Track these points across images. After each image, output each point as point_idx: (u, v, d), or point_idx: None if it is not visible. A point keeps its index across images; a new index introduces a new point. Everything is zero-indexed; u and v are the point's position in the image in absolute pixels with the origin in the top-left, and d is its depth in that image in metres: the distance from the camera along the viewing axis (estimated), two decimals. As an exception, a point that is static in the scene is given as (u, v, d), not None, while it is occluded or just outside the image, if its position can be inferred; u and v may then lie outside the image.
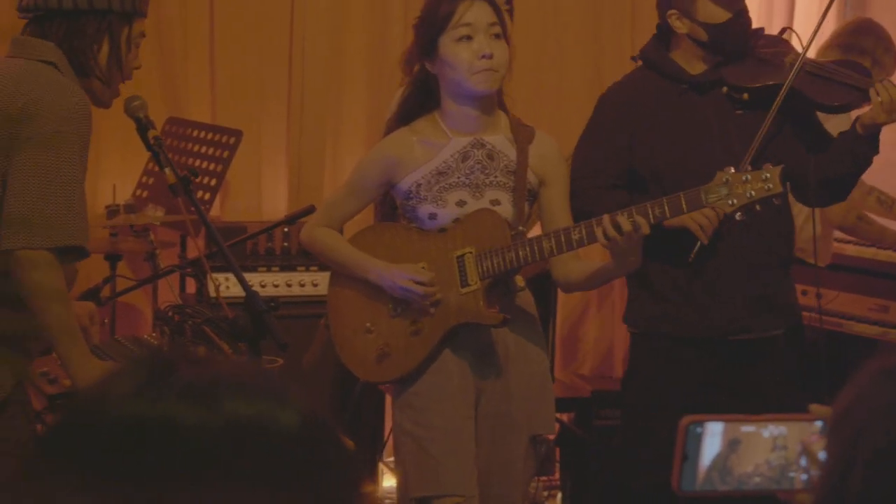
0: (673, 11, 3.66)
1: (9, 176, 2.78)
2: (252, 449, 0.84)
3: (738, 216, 3.15)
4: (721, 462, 1.54)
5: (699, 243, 3.54)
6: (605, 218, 3.07)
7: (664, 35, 3.75)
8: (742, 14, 3.64)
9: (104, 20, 2.96)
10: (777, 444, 1.54)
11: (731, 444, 1.54)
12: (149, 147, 3.08)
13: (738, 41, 3.65)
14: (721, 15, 3.60)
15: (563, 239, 3.13)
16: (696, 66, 3.70)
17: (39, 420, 3.13)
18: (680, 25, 3.65)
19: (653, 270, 3.65)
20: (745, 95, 3.63)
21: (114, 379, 0.87)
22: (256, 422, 0.85)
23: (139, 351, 3.28)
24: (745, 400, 3.66)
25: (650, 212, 3.10)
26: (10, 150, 2.80)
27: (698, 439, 1.54)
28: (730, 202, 3.12)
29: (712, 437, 1.54)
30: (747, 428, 1.54)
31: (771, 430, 1.54)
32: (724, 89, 3.66)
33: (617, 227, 3.05)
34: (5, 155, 2.78)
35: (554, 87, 5.74)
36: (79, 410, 0.87)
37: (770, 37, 3.83)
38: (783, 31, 3.90)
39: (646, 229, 3.06)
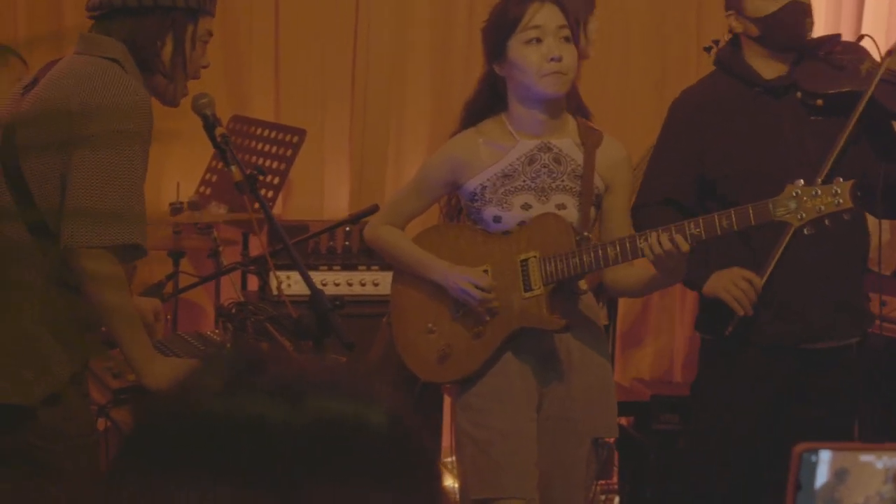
0: (730, 12, 3.68)
1: (69, 173, 2.80)
2: (339, 448, 0.84)
3: (806, 231, 3.12)
4: (828, 493, 1.46)
5: (736, 317, 3.53)
6: (652, 234, 3.07)
7: (738, 39, 3.74)
8: (791, 6, 3.60)
9: (168, 17, 2.96)
10: (889, 476, 1.46)
11: (839, 474, 1.45)
12: (215, 144, 3.09)
13: (790, 32, 3.62)
14: (769, 6, 3.59)
15: (628, 247, 3.11)
16: (770, 70, 3.67)
17: (103, 414, 3.16)
18: (736, 25, 3.67)
19: None
20: (820, 102, 3.60)
21: (202, 375, 0.87)
22: (344, 420, 0.85)
23: (204, 347, 3.30)
24: (815, 409, 3.63)
25: (717, 223, 3.08)
26: (70, 147, 2.81)
27: (812, 468, 1.45)
28: (799, 216, 3.09)
29: (822, 465, 1.45)
30: (866, 457, 1.45)
31: (885, 462, 1.45)
32: (799, 94, 3.64)
33: (659, 245, 3.05)
34: (65, 152, 2.79)
35: (617, 88, 5.71)
36: (166, 406, 0.87)
37: (847, 43, 3.80)
38: (860, 38, 3.86)
39: (684, 248, 3.04)
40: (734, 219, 3.09)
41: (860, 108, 3.52)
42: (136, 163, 2.84)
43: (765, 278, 3.54)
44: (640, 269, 3.30)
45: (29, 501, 2.86)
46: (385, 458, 0.85)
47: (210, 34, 3.06)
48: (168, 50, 2.98)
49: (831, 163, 3.48)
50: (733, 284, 3.52)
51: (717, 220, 3.09)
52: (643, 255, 3.10)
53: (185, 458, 0.83)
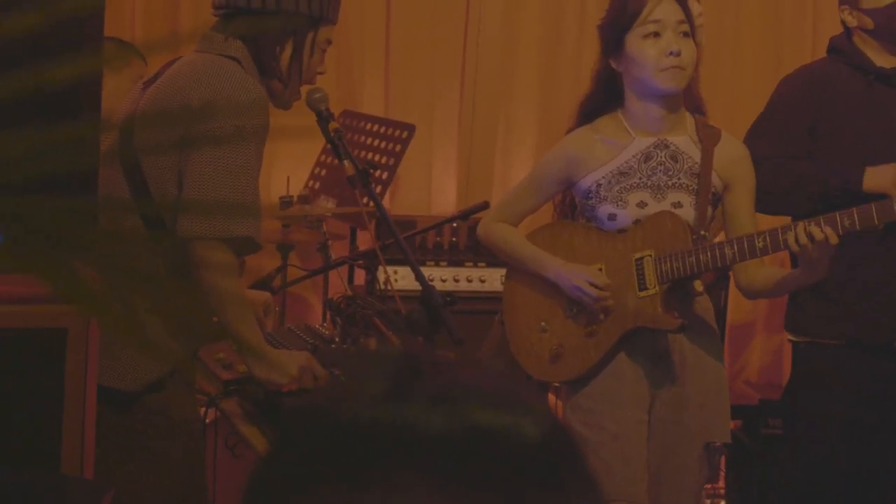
0: (843, 7, 3.63)
1: (186, 167, 2.82)
2: (494, 459, 0.82)
3: None
4: None
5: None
6: (800, 225, 2.99)
7: (850, 31, 3.67)
8: None
9: (290, 22, 2.97)
10: None
11: None
12: (329, 139, 3.09)
13: None
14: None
15: (745, 246, 3.05)
16: (883, 60, 3.61)
17: (213, 404, 3.18)
18: (851, 20, 3.62)
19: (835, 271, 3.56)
20: None
21: (362, 379, 0.85)
22: (500, 432, 0.83)
23: (313, 341, 3.31)
24: None
25: (839, 222, 3.00)
26: (187, 142, 2.84)
27: None
28: None
29: None
30: None
31: None
32: None
33: (810, 235, 2.97)
34: (182, 147, 2.81)
35: (728, 78, 5.63)
36: (324, 411, 0.86)
37: None
38: None
39: (833, 239, 2.96)
40: (857, 217, 3.01)
41: None
42: (252, 158, 2.85)
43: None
44: (772, 269, 3.24)
45: (129, 484, 2.89)
46: (539, 472, 0.83)
47: (329, 42, 3.06)
48: (286, 55, 2.99)
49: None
50: None
51: (838, 219, 2.99)
52: (768, 253, 3.03)
53: (334, 468, 0.81)
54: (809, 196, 3.47)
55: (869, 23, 3.57)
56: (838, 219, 3.00)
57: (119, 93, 3.39)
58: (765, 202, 3.43)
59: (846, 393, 3.58)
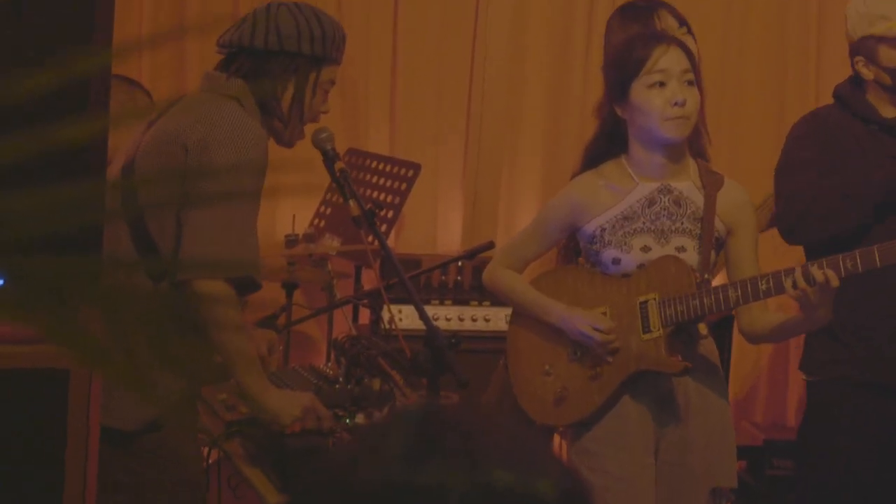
0: (859, 58, 3.62)
1: (184, 208, 2.83)
2: None
3: None
4: None
5: None
6: (797, 269, 2.99)
7: (859, 79, 3.68)
8: None
9: (293, 62, 2.98)
10: None
11: None
12: (334, 179, 3.10)
13: None
14: None
15: (749, 289, 3.06)
16: (888, 110, 3.62)
17: (216, 445, 3.18)
18: (867, 72, 3.61)
19: (835, 315, 3.56)
20: None
21: (384, 435, 0.85)
22: (518, 491, 0.82)
23: (317, 381, 3.30)
24: None
25: (842, 265, 3.00)
26: (185, 181, 2.84)
27: None
28: None
29: None
30: None
31: None
32: None
33: (808, 278, 2.97)
34: (180, 186, 2.82)
35: (731, 124, 5.64)
36: (344, 466, 0.85)
37: None
38: None
39: (835, 282, 2.96)
40: (859, 260, 3.01)
41: None
42: (251, 198, 2.86)
43: None
44: (775, 313, 3.23)
45: None
46: None
47: (333, 82, 3.06)
48: (288, 95, 3.00)
49: None
50: None
51: (841, 262, 3.00)
52: (771, 295, 3.03)
53: None
54: (859, 200, 3.47)
55: (887, 79, 3.59)
56: (840, 261, 3.00)
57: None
58: (814, 226, 3.48)
59: (859, 433, 3.57)
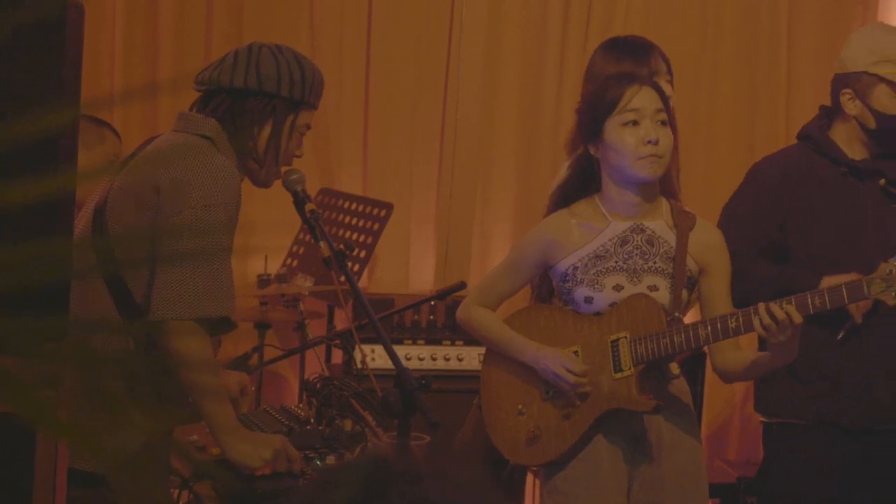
0: (847, 91, 3.59)
1: (158, 248, 2.83)
2: None
3: None
4: None
5: (850, 322, 3.46)
6: (761, 306, 3.00)
7: (829, 113, 3.68)
8: None
9: (270, 103, 2.98)
10: None
11: None
12: (305, 220, 3.10)
13: None
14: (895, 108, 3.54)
15: (719, 327, 3.07)
16: (856, 151, 3.62)
17: (186, 487, 3.16)
18: (852, 107, 3.59)
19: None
20: None
21: (332, 484, 0.85)
22: None
23: (288, 422, 3.29)
24: (891, 492, 3.54)
25: (810, 302, 3.02)
26: (158, 222, 2.84)
27: None
28: (893, 294, 3.03)
29: None
30: None
31: None
32: (882, 182, 3.58)
33: (772, 315, 2.98)
34: (154, 231, 2.81)
35: (703, 163, 5.68)
36: None
37: None
38: None
39: (797, 318, 2.98)
40: (827, 298, 3.03)
41: None
42: (223, 236, 2.85)
43: (842, 334, 3.45)
44: (746, 352, 3.24)
45: None
46: None
47: (308, 126, 3.06)
48: (264, 136, 2.99)
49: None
50: None
51: (809, 300, 3.02)
52: (741, 333, 3.04)
53: None
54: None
55: (871, 122, 3.58)
56: (809, 299, 3.02)
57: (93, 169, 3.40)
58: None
59: (817, 473, 3.58)
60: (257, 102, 2.97)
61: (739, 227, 3.62)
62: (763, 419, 3.76)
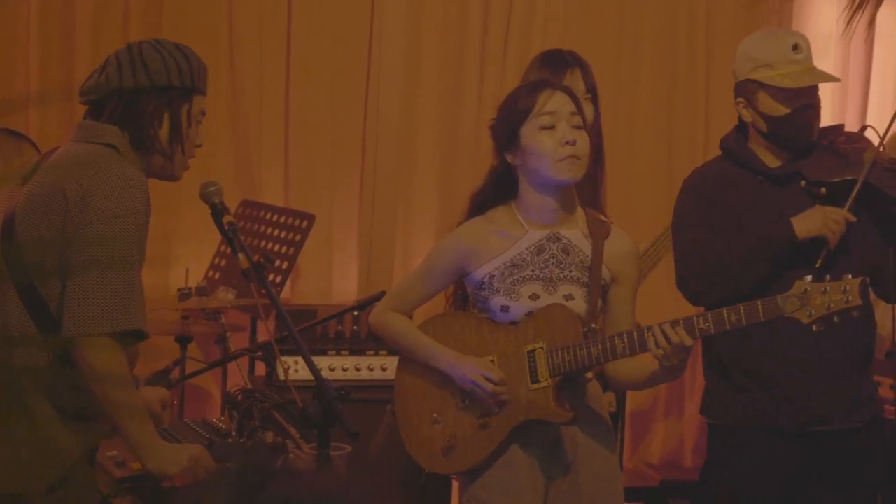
0: (740, 100, 3.67)
1: (68, 262, 2.81)
2: None
3: (815, 328, 3.09)
4: None
5: (826, 249, 3.49)
6: (656, 326, 3.05)
7: (744, 125, 3.74)
8: (803, 110, 3.60)
9: (164, 96, 2.98)
10: None
11: None
12: (223, 232, 3.09)
13: (798, 135, 3.62)
14: (780, 109, 3.59)
15: (636, 340, 3.10)
16: (773, 158, 3.67)
17: (108, 503, 3.14)
18: (746, 114, 3.66)
19: (731, 361, 3.62)
20: (823, 190, 3.60)
21: (208, 490, 0.86)
22: None
23: (209, 435, 3.28)
24: (828, 493, 3.59)
25: (726, 318, 3.07)
26: (67, 235, 2.82)
27: None
28: (808, 313, 3.07)
29: None
30: None
31: None
32: (802, 183, 3.64)
33: (666, 336, 3.03)
34: (63, 240, 2.80)
35: (623, 168, 5.73)
36: None
37: (850, 133, 3.81)
38: (864, 128, 3.87)
39: (687, 342, 3.04)
40: (743, 314, 3.07)
41: (854, 193, 3.53)
42: (133, 248, 2.84)
43: (820, 262, 3.50)
44: (642, 363, 3.26)
45: None
46: None
47: (203, 113, 3.06)
48: (165, 129, 2.98)
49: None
50: (834, 222, 3.49)
51: (725, 316, 3.07)
52: (660, 346, 3.08)
53: None
54: (764, 256, 3.52)
55: (763, 126, 3.64)
56: (725, 315, 3.06)
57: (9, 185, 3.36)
58: (714, 292, 3.52)
59: (757, 475, 3.62)
60: (151, 98, 2.96)
61: (688, 232, 3.66)
62: (708, 421, 3.81)
